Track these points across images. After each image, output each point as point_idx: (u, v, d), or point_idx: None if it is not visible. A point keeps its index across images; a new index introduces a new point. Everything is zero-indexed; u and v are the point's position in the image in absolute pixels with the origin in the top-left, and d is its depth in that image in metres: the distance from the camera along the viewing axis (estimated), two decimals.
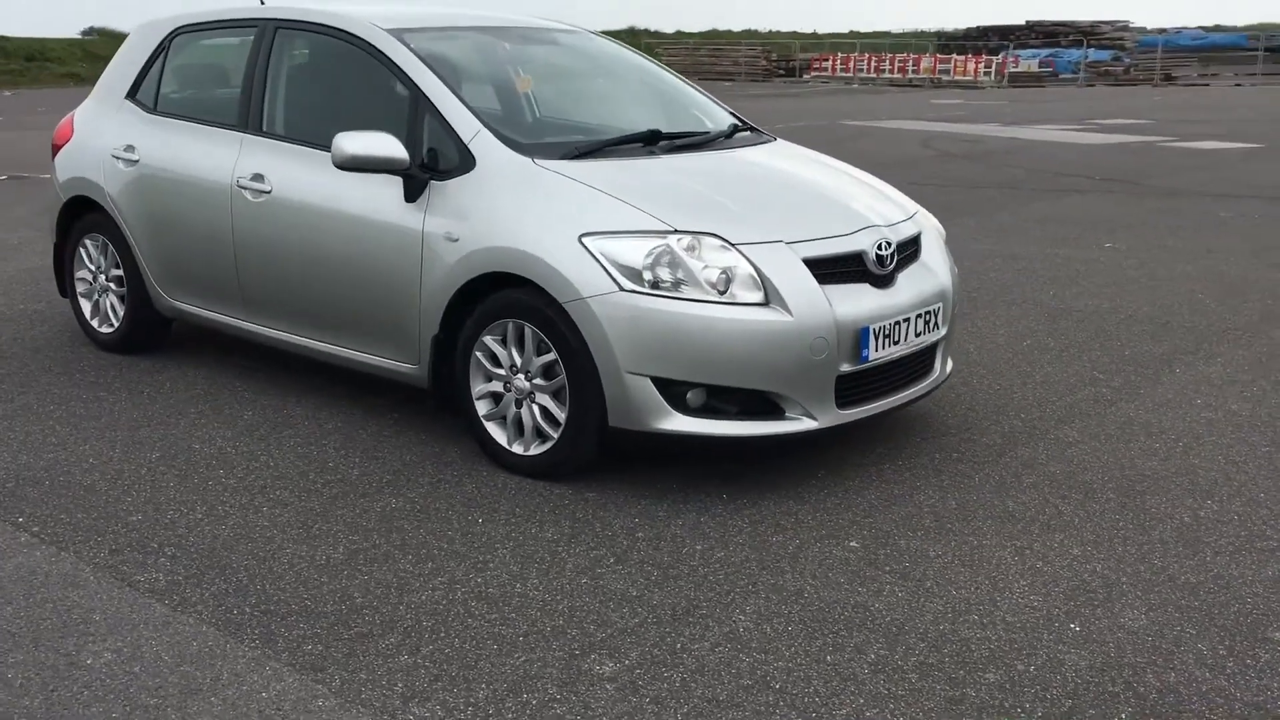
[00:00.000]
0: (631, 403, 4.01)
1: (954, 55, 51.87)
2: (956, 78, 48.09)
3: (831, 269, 4.17)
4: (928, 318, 4.45)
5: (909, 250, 4.56)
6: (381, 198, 4.57)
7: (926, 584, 3.51)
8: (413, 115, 4.61)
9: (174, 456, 4.56)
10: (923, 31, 71.89)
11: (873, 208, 4.59)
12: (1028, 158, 16.20)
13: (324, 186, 4.77)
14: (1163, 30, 66.21)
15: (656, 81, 5.66)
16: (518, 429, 4.35)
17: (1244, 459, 4.54)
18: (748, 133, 5.30)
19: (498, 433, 4.41)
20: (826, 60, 54.25)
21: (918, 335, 4.40)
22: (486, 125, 4.50)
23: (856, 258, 4.26)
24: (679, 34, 68.27)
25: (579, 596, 3.45)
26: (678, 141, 4.86)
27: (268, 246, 4.99)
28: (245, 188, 5.04)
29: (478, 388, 4.43)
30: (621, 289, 3.97)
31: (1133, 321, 6.72)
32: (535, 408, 4.27)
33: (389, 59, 4.76)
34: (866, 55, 53.35)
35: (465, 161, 4.43)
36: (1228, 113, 25.57)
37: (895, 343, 4.28)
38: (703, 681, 2.98)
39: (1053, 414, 5.07)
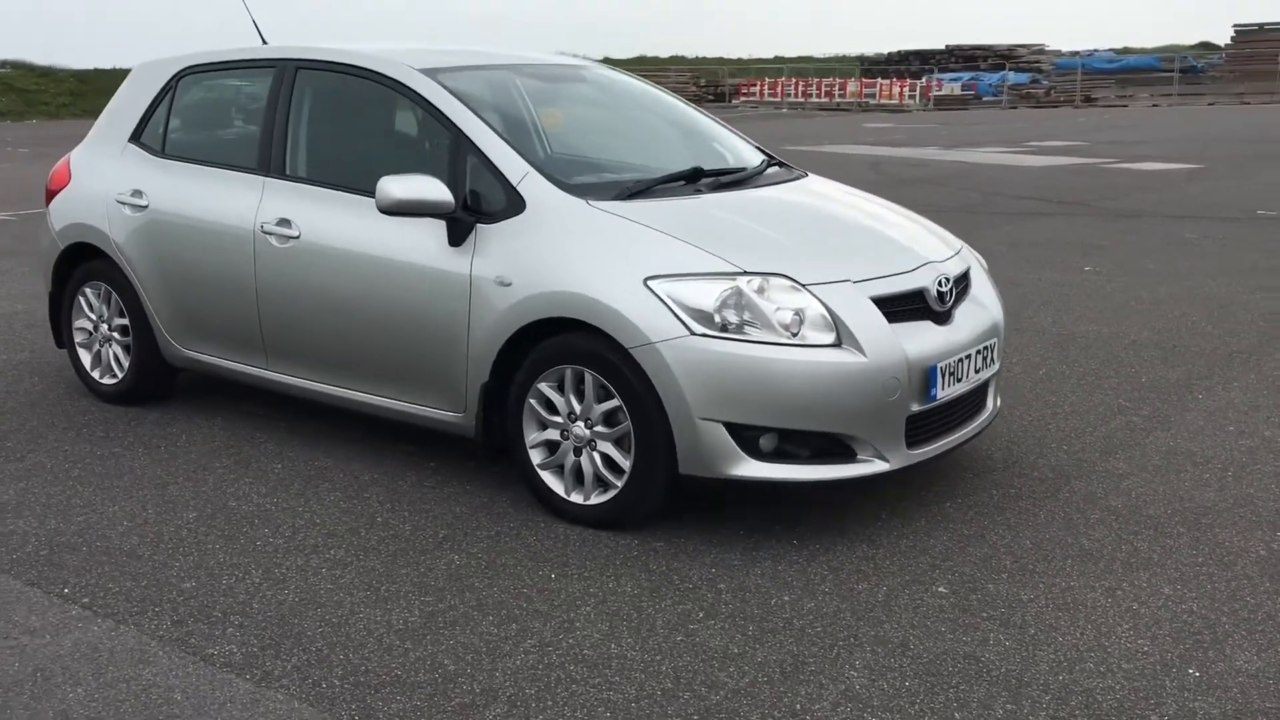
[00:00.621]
0: (704, 449, 3.91)
1: (879, 79, 52.74)
2: (883, 101, 48.92)
3: (897, 307, 4.12)
4: (985, 353, 4.41)
5: (962, 285, 4.52)
6: (422, 242, 4.44)
7: (1030, 631, 3.45)
8: (453, 157, 4.49)
9: (212, 516, 4.37)
10: (846, 56, 72.88)
11: (925, 244, 4.55)
12: (979, 181, 16.40)
13: (359, 231, 4.63)
14: (1076, 53, 67.83)
15: (680, 117, 5.60)
16: (576, 478, 4.23)
17: None
18: (778, 168, 5.24)
19: (554, 482, 4.28)
20: (755, 85, 54.96)
21: (977, 371, 4.36)
22: (535, 166, 4.38)
23: (919, 295, 4.21)
24: (606, 60, 68.44)
25: (679, 656, 3.34)
26: (721, 179, 4.78)
27: (295, 294, 4.82)
28: (270, 233, 4.87)
29: (532, 436, 4.30)
30: (692, 333, 3.88)
31: (1139, 347, 6.77)
32: (596, 455, 4.15)
33: (426, 100, 4.63)
34: (794, 80, 54.02)
35: (514, 204, 4.31)
36: (1156, 133, 26.19)
37: (958, 380, 4.24)
38: None
39: (1094, 445, 5.06)
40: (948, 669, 3.25)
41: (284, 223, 4.84)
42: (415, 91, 4.68)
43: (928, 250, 4.47)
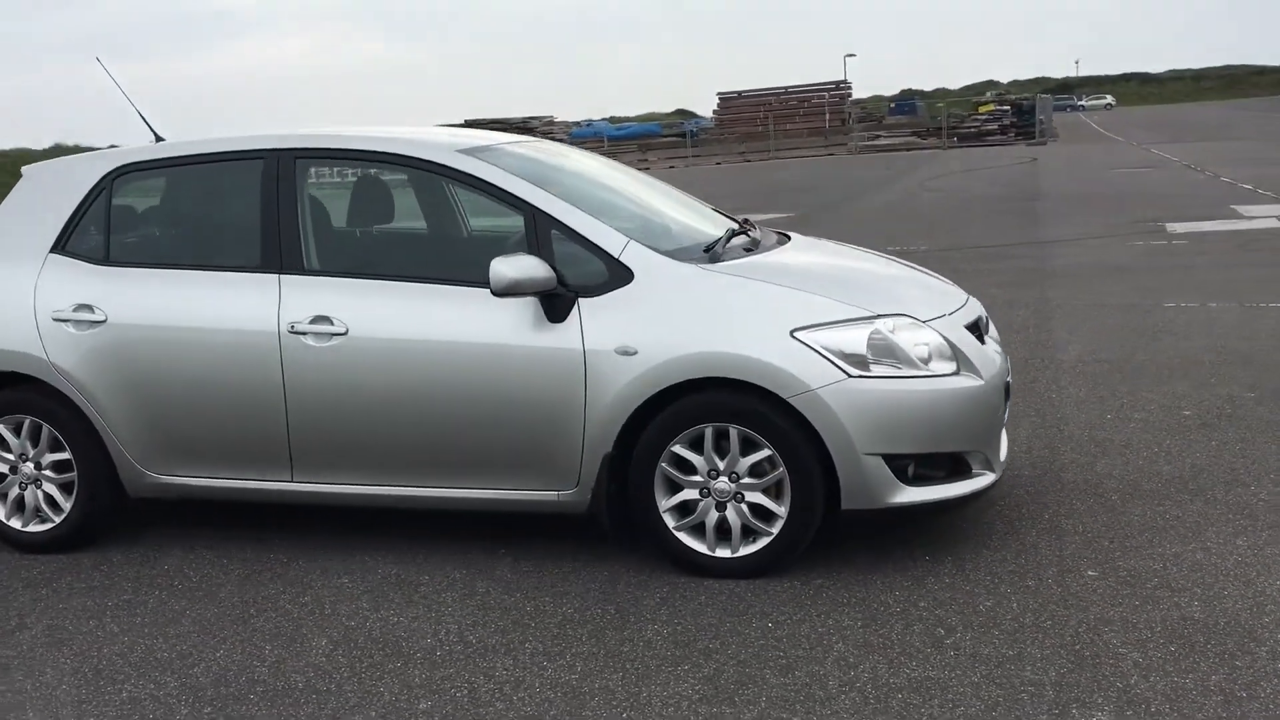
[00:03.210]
0: (867, 483, 4.18)
1: None
2: None
3: (973, 335, 4.61)
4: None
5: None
6: (510, 322, 4.38)
7: (1195, 591, 4.02)
8: (532, 235, 4.47)
9: (343, 640, 4.05)
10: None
11: (949, 285, 5.06)
12: None
13: (424, 319, 4.48)
14: (578, 123, 72.46)
15: (638, 190, 5.62)
16: (719, 534, 4.34)
17: None
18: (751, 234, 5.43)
19: (694, 542, 4.36)
20: None
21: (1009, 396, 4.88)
22: (632, 236, 4.47)
23: (976, 325, 4.72)
24: None
25: (1001, 685, 3.59)
26: (745, 244, 4.99)
27: (343, 394, 4.54)
28: (303, 332, 4.56)
29: (665, 500, 4.36)
30: (849, 375, 4.15)
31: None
32: (744, 507, 4.29)
33: (486, 182, 4.57)
34: None
35: (617, 275, 4.37)
36: (718, 189, 28.63)
37: (1008, 399, 4.78)
38: None
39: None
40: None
41: (322, 320, 4.55)
42: (469, 174, 4.60)
43: (957, 289, 4.99)
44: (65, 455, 4.92)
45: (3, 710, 3.67)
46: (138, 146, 5.12)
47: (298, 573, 4.66)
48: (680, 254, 4.55)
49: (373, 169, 4.83)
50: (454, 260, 5.07)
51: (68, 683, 3.83)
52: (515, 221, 4.61)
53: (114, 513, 5.04)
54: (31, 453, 4.97)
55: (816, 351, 4.16)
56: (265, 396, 4.61)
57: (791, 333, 4.19)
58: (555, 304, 4.35)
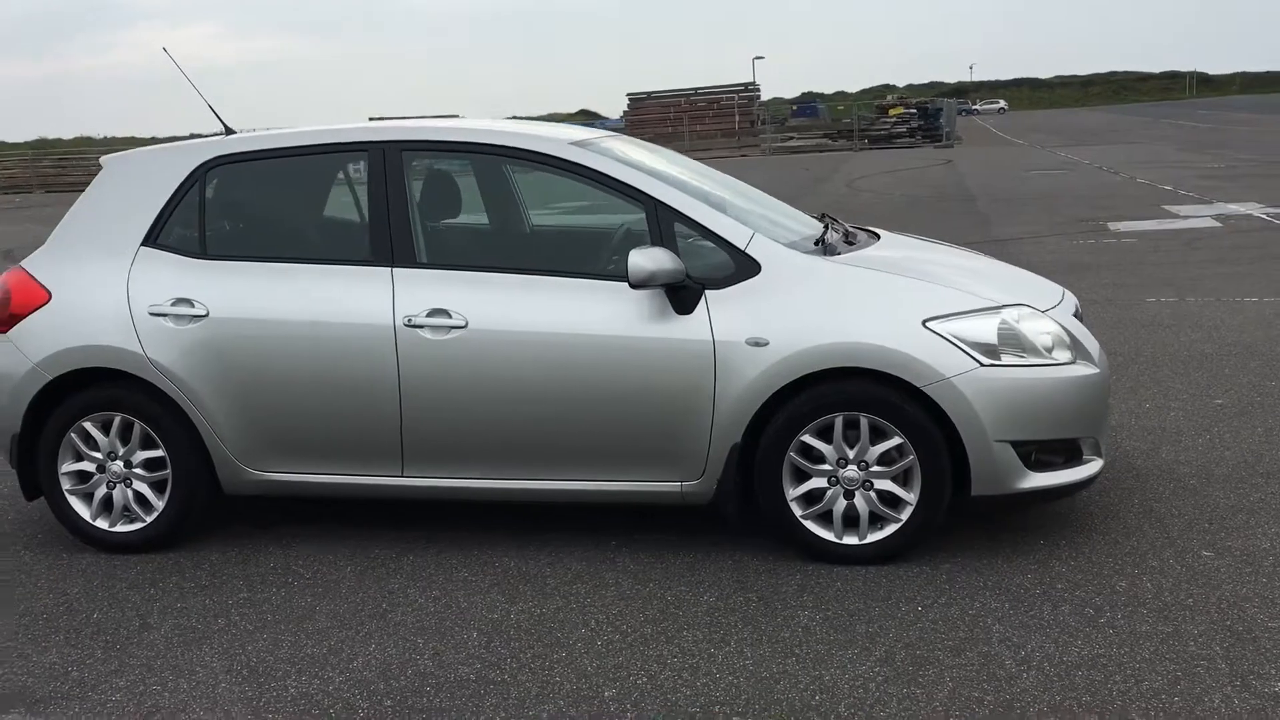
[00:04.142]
0: (997, 469, 4.30)
1: None
2: None
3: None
4: None
5: None
6: (636, 314, 4.42)
7: None
8: (654, 227, 4.50)
9: (496, 640, 4.05)
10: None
11: (1041, 281, 5.19)
12: None
13: (545, 311, 4.49)
14: None
15: (723, 186, 5.64)
16: (846, 521, 4.42)
17: None
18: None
19: (821, 530, 4.44)
20: None
21: None
22: (756, 229, 4.53)
23: (1078, 316, 4.87)
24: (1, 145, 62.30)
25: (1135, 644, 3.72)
26: (845, 237, 5.09)
27: (463, 388, 4.52)
28: (420, 326, 4.53)
29: (793, 490, 4.43)
30: (981, 365, 4.27)
31: None
32: (872, 495, 4.38)
33: (605, 175, 4.59)
34: None
35: (744, 267, 4.43)
36: None
37: None
38: None
39: None
40: None
41: (440, 313, 4.52)
42: (590, 168, 4.61)
43: (1050, 282, 5.14)
44: (158, 453, 4.82)
45: (171, 711, 3.59)
46: (230, 137, 5.03)
47: (413, 567, 4.63)
48: (795, 246, 4.62)
49: (488, 162, 4.80)
50: (572, 253, 5.08)
51: (225, 681, 3.76)
52: (599, 216, 4.61)
53: (206, 511, 4.93)
54: (121, 451, 4.84)
55: (949, 341, 4.26)
56: (378, 390, 4.57)
57: (924, 323, 4.29)
58: (683, 296, 4.39)
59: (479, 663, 3.80)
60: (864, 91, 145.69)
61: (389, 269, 4.61)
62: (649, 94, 60.54)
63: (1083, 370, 4.42)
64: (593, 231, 5.31)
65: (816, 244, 4.70)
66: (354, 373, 4.58)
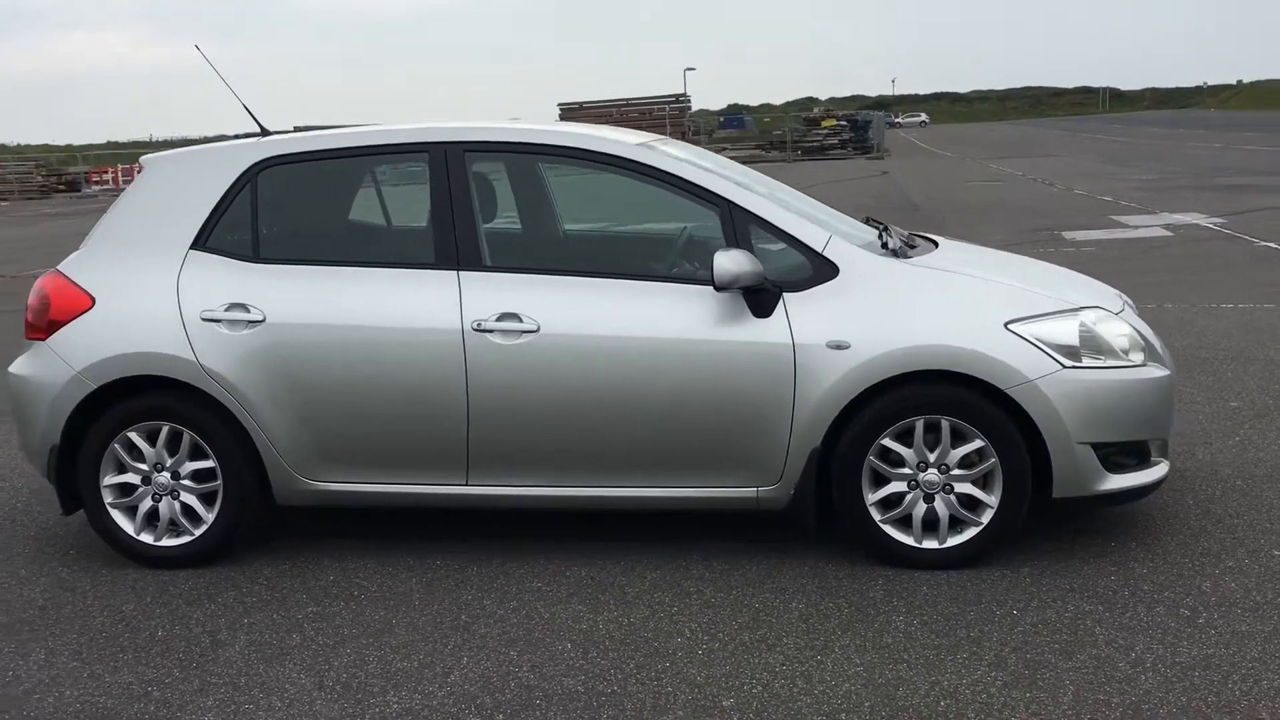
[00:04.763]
0: (1078, 471, 4.31)
1: None
2: None
3: None
4: None
5: None
6: (711, 317, 4.37)
7: None
8: (729, 230, 4.45)
9: (592, 651, 3.95)
10: (188, 138, 71.01)
11: (1101, 285, 5.21)
12: None
13: (620, 315, 4.41)
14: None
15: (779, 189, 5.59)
16: (926, 525, 4.40)
17: None
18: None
19: (901, 535, 4.41)
20: (108, 172, 52.08)
21: None
22: (834, 231, 4.50)
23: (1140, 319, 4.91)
24: None
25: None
26: (907, 241, 5.08)
27: (534, 393, 4.43)
28: (489, 330, 4.43)
29: (872, 494, 4.40)
30: (1063, 366, 4.27)
31: None
32: (951, 498, 4.37)
33: (678, 178, 4.53)
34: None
35: (821, 269, 4.40)
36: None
37: None
38: None
39: None
40: None
41: (510, 317, 4.43)
42: (659, 169, 4.55)
43: (1106, 286, 5.18)
44: (209, 463, 4.65)
45: None
46: (283, 137, 4.88)
47: (480, 578, 4.52)
48: (871, 248, 4.59)
49: (553, 164, 4.71)
50: (644, 256, 5.01)
51: (320, 698, 3.63)
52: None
53: (254, 523, 4.77)
54: (169, 462, 4.66)
55: (1031, 343, 4.26)
56: (445, 397, 4.46)
57: (1006, 325, 4.28)
58: (762, 299, 4.34)
59: (582, 674, 3.71)
60: (789, 104, 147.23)
61: (455, 272, 4.50)
62: (581, 104, 60.47)
63: (1155, 372, 4.44)
64: (657, 234, 5.24)
65: (883, 247, 4.67)
66: (420, 379, 4.46)
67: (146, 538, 4.71)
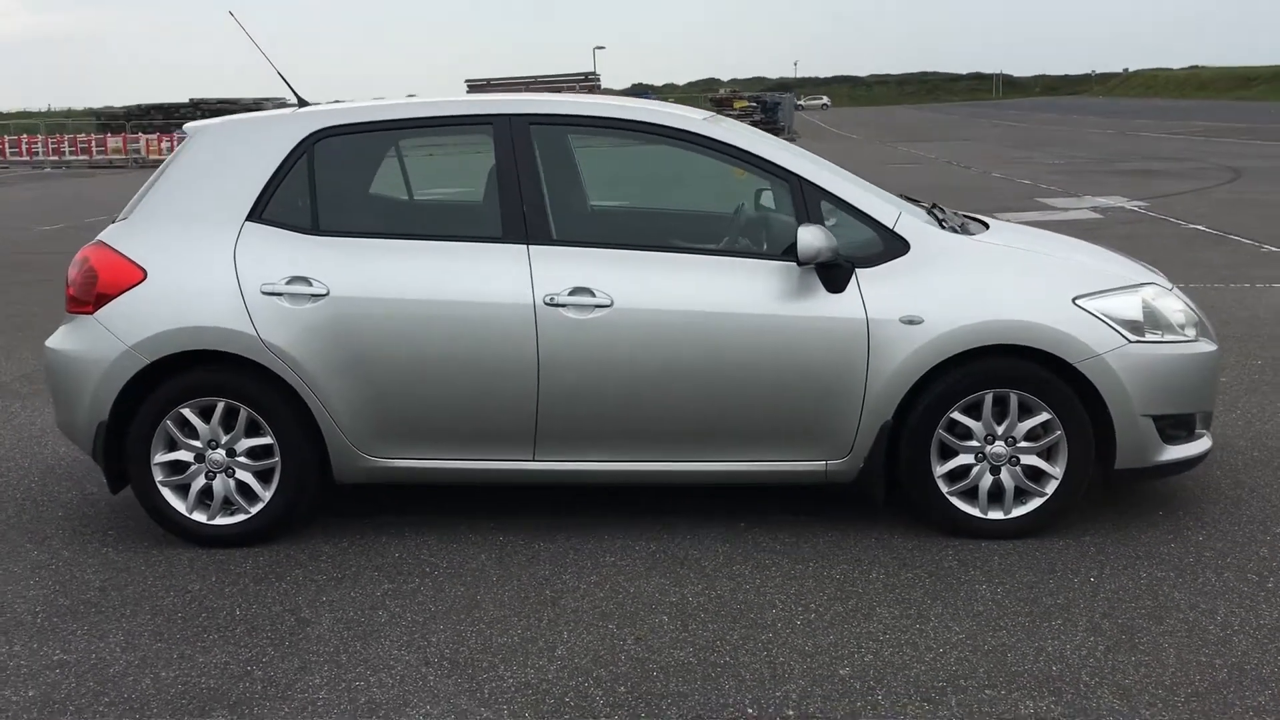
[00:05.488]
0: (1141, 443, 4.45)
1: (141, 134, 50.97)
2: (151, 156, 47.43)
3: None
4: None
5: None
6: (785, 292, 4.41)
7: None
8: (800, 205, 4.49)
9: (691, 623, 3.98)
10: (72, 110, 68.60)
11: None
12: None
13: (694, 290, 4.43)
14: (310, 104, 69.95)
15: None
16: (992, 496, 4.50)
17: None
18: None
19: (966, 506, 4.51)
20: None
21: None
22: (901, 208, 4.57)
23: None
24: None
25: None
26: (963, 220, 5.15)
27: (608, 368, 4.42)
28: (561, 304, 4.41)
29: (940, 466, 4.48)
30: (1129, 341, 4.40)
31: None
32: (1017, 470, 4.47)
33: (749, 152, 4.55)
34: (44, 137, 50.26)
35: (892, 245, 4.46)
36: None
37: None
38: None
39: None
40: None
41: (582, 291, 4.41)
42: (728, 143, 4.56)
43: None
44: (265, 440, 4.55)
45: (394, 706, 3.42)
46: (340, 107, 4.79)
47: (550, 553, 4.51)
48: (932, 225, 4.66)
49: (622, 138, 4.68)
50: (715, 230, 5.02)
51: (432, 674, 3.60)
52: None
53: (313, 501, 4.69)
54: (224, 439, 4.56)
55: (1098, 318, 4.38)
56: (515, 371, 4.43)
57: (1074, 300, 4.39)
58: (836, 274, 4.39)
59: (690, 646, 3.73)
60: (691, 84, 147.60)
61: (524, 246, 4.47)
62: (488, 80, 59.82)
63: (1206, 347, 4.59)
64: (717, 209, 5.25)
65: (940, 225, 4.75)
66: (490, 354, 4.42)
67: (199, 516, 4.60)
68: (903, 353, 4.34)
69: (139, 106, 63.63)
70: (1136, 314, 4.43)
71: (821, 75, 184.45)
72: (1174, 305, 4.56)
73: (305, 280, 4.45)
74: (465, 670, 3.61)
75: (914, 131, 53.11)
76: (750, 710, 3.34)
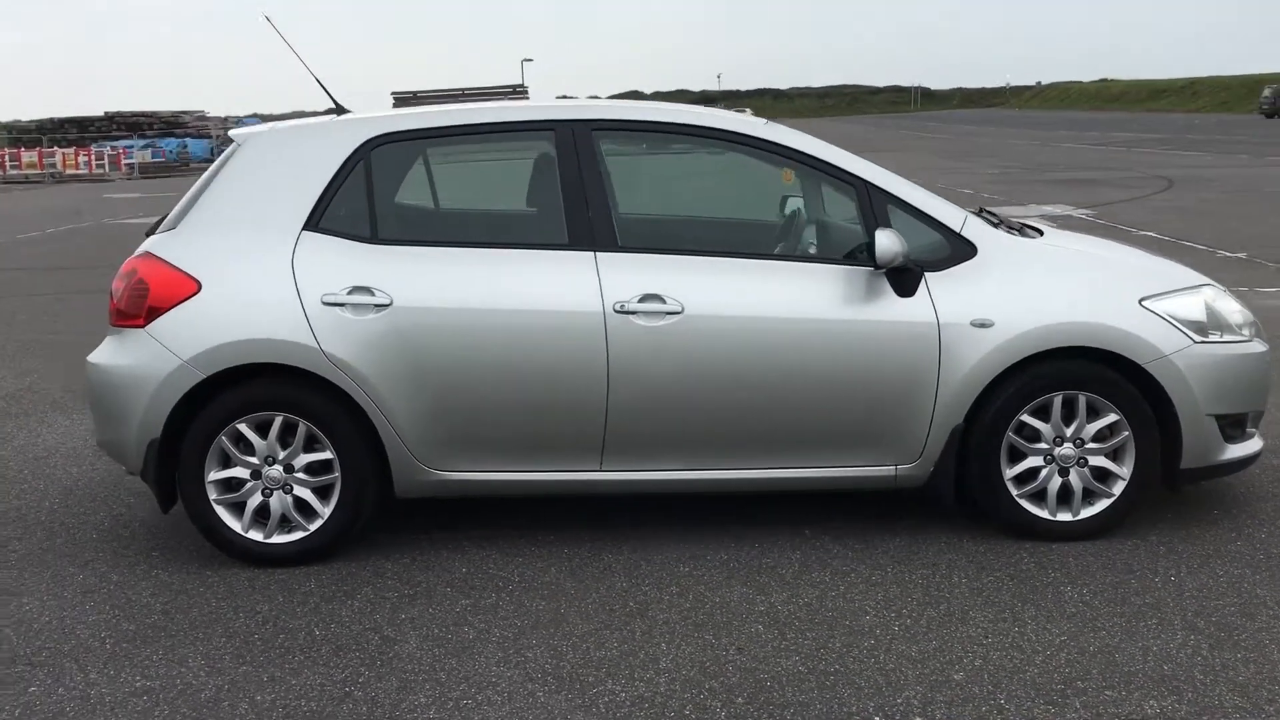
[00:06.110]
0: (1204, 442, 4.50)
1: (57, 149, 49.80)
2: (70, 172, 46.22)
3: None
4: None
5: None
6: (855, 297, 4.40)
7: None
8: (867, 209, 4.49)
9: (789, 632, 3.95)
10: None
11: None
12: None
13: (764, 296, 4.40)
14: (238, 119, 69.20)
15: None
16: (1060, 498, 4.53)
17: None
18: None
19: (1035, 508, 4.52)
20: None
21: None
22: (970, 212, 4.58)
23: None
24: None
25: None
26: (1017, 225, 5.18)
27: (679, 376, 4.37)
28: (631, 312, 4.36)
29: (1010, 469, 4.49)
30: (1194, 342, 4.45)
31: None
32: (1085, 471, 4.50)
33: (812, 156, 4.55)
34: None
35: (960, 249, 4.47)
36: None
37: None
38: None
39: None
40: None
41: (652, 298, 4.36)
42: (792, 148, 4.55)
43: None
44: (325, 455, 4.43)
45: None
46: (397, 113, 4.68)
47: (623, 565, 4.44)
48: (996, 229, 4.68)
49: (687, 143, 4.64)
50: (770, 236, 4.99)
51: (540, 691, 3.52)
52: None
53: (370, 517, 4.58)
54: (281, 455, 4.42)
55: (1164, 319, 4.42)
56: (585, 380, 4.36)
57: (1140, 301, 4.43)
58: (906, 279, 4.38)
59: (795, 654, 3.69)
60: (614, 96, 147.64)
61: (591, 253, 4.40)
62: (415, 93, 59.28)
63: (1260, 347, 4.66)
64: (775, 216, 5.22)
65: (996, 226, 4.77)
66: (559, 363, 4.34)
67: (255, 535, 4.46)
68: (974, 356, 4.34)
69: (52, 120, 62.23)
70: (1200, 315, 4.48)
71: (744, 88, 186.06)
72: (1232, 306, 4.62)
73: (368, 290, 4.34)
74: (573, 685, 3.53)
75: (841, 143, 53.52)
76: (877, 717, 3.29)
